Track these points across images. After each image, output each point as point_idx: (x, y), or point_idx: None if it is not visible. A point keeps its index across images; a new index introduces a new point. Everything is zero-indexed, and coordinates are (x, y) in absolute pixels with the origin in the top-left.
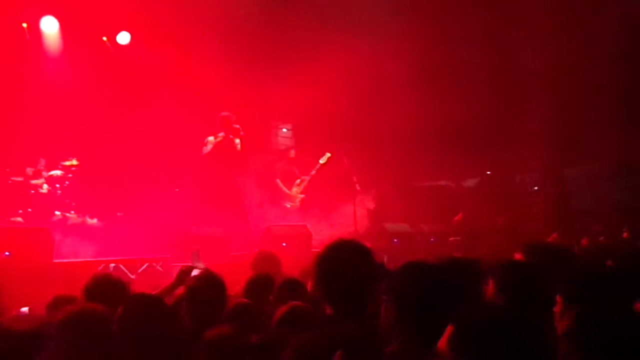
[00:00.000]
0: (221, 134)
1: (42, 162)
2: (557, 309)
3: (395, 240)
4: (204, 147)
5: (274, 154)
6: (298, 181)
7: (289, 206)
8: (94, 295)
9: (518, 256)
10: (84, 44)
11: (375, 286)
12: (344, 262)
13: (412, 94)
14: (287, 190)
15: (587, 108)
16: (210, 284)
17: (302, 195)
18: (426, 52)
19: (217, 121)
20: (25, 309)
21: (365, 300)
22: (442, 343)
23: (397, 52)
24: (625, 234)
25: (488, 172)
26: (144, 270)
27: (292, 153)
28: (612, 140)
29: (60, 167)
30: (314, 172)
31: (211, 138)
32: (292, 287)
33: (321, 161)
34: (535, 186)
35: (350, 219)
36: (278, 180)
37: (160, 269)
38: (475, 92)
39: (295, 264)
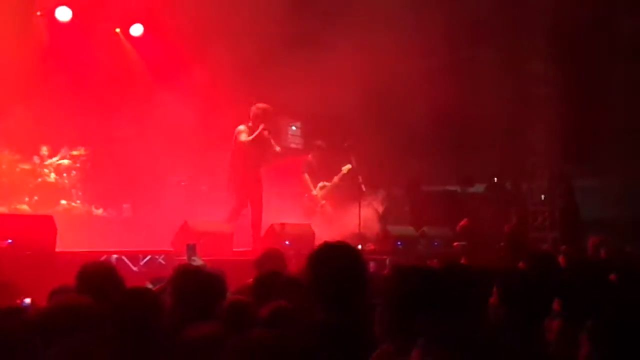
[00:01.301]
0: (262, 126)
1: (50, 150)
2: (553, 320)
3: (399, 243)
4: (240, 135)
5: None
6: (321, 184)
7: (319, 205)
8: (85, 284)
9: (522, 265)
10: (97, 35)
11: (364, 288)
12: (331, 264)
13: (422, 96)
14: (313, 190)
15: (600, 121)
16: (195, 282)
17: (324, 202)
18: (438, 55)
19: (257, 112)
20: (28, 300)
21: (353, 302)
22: None
23: (408, 52)
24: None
25: (495, 179)
26: (146, 262)
27: (320, 146)
28: (624, 156)
29: (68, 156)
30: (336, 179)
31: (242, 127)
32: (291, 286)
33: (344, 169)
34: (542, 195)
35: (356, 220)
36: (306, 176)
37: (163, 261)
38: (486, 97)
39: (297, 263)
